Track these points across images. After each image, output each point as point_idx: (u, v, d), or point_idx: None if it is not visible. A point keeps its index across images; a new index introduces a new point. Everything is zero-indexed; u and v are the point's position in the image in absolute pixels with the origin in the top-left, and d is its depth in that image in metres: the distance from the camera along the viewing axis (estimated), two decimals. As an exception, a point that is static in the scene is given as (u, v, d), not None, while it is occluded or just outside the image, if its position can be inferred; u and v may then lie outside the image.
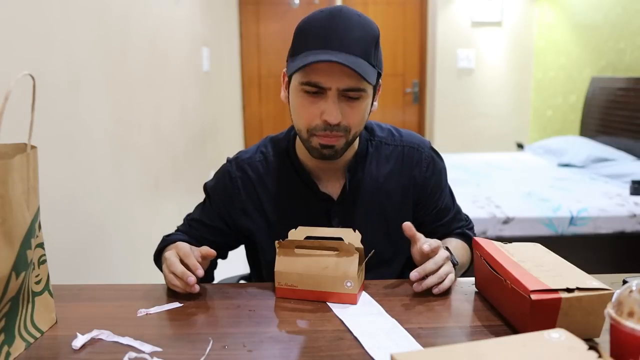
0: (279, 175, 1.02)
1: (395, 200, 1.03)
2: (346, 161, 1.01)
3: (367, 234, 0.90)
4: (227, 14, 4.02)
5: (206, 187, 1.10)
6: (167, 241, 1.05)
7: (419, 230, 0.96)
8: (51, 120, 1.22)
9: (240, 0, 4.26)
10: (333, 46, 0.85)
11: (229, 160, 1.07)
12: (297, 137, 1.00)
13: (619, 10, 3.16)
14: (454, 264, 0.92)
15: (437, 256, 0.86)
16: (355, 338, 0.73)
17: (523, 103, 4.29)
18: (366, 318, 0.80)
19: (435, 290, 0.85)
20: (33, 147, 0.71)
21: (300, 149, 1.01)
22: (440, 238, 1.08)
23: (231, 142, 3.98)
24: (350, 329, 0.76)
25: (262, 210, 1.02)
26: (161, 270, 0.95)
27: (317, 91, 0.88)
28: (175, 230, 1.11)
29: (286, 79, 0.95)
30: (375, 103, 0.98)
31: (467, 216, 1.17)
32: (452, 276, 0.88)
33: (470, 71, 4.21)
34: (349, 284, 0.84)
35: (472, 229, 1.15)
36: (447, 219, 1.10)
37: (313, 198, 1.01)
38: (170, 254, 0.88)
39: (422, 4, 4.26)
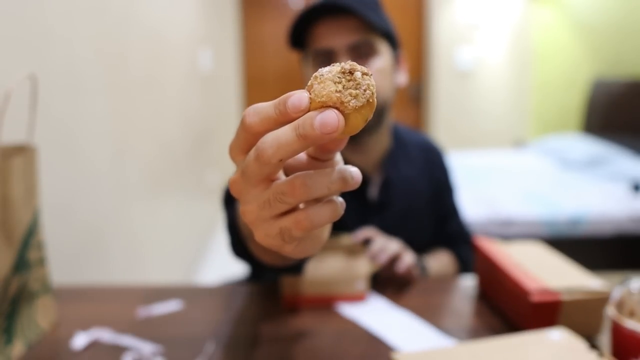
0: None
1: (423, 203, 1.00)
2: (378, 155, 0.95)
3: (401, 234, 0.92)
4: (227, 13, 4.02)
5: None
6: None
7: (438, 230, 1.01)
8: (51, 120, 1.22)
9: (242, 1, 4.26)
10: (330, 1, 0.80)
11: None
12: None
13: (619, 9, 3.16)
14: (422, 268, 0.92)
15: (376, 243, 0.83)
16: (378, 335, 0.73)
17: (523, 103, 4.29)
18: (377, 314, 0.80)
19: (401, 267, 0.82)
20: (33, 147, 0.71)
21: None
22: (441, 245, 1.08)
23: (231, 142, 3.98)
24: (369, 326, 0.76)
25: None
26: (228, 214, 0.78)
27: (326, 59, 0.84)
28: None
29: (302, 71, 0.91)
30: (402, 76, 0.93)
31: (470, 234, 1.13)
32: (408, 259, 0.84)
33: (470, 71, 4.20)
34: (360, 284, 0.83)
35: (468, 242, 1.12)
36: (452, 226, 1.09)
37: (354, 200, 0.93)
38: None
39: (422, 3, 4.26)
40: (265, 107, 0.33)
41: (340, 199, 0.36)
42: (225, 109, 3.93)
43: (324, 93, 0.32)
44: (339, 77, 0.33)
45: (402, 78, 0.93)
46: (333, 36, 0.82)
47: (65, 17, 1.30)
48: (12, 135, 0.85)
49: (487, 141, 4.27)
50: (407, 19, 4.27)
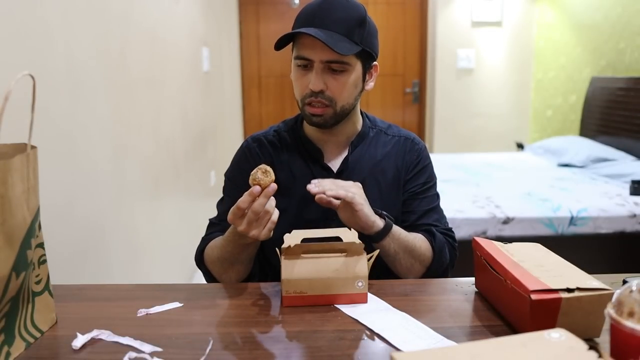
0: (289, 147, 1.13)
1: (388, 178, 1.11)
2: (348, 137, 1.12)
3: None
4: (227, 14, 4.02)
5: (226, 173, 1.18)
6: (208, 239, 1.09)
7: (403, 214, 1.09)
8: (51, 120, 1.22)
9: (240, 0, 4.26)
10: (316, 25, 0.98)
11: (245, 140, 1.18)
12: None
13: (619, 10, 3.16)
14: (387, 222, 0.99)
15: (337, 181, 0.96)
16: (379, 335, 0.74)
17: (523, 103, 4.29)
18: (377, 314, 0.80)
19: (328, 193, 0.91)
20: (33, 147, 0.71)
21: (306, 124, 1.12)
22: (407, 228, 1.09)
23: (231, 142, 3.98)
24: (370, 326, 0.76)
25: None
26: (203, 270, 1.08)
27: (306, 64, 1.01)
28: (208, 234, 1.13)
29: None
30: (371, 83, 1.09)
31: (451, 229, 1.15)
32: (353, 191, 0.94)
33: (470, 71, 4.20)
34: (360, 284, 0.83)
35: (451, 237, 1.12)
36: (421, 210, 1.11)
37: (317, 168, 1.10)
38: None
39: (422, 3, 4.26)
40: (246, 195, 0.84)
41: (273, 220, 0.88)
42: (225, 108, 3.93)
43: (254, 177, 0.83)
44: (263, 171, 0.84)
45: (371, 84, 1.10)
46: (312, 50, 0.99)
47: (65, 17, 1.30)
48: (12, 135, 0.85)
49: (487, 140, 4.27)
50: (409, 19, 4.27)
